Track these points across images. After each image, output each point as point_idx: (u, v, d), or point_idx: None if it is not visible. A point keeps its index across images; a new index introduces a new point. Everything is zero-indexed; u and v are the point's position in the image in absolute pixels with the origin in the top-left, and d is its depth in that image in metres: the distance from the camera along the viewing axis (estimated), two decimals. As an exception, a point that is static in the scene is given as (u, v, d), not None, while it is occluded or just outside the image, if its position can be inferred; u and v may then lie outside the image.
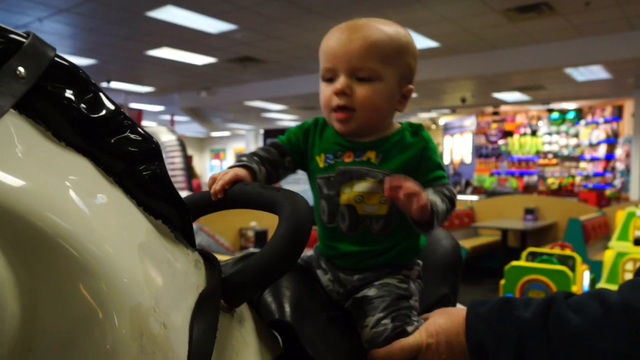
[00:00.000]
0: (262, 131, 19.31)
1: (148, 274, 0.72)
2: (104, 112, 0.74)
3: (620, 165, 15.89)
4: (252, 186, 1.05)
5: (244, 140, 25.14)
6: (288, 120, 21.42)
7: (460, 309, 1.07)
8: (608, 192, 14.46)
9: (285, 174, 1.25)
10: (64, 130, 0.70)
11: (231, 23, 9.16)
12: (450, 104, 17.15)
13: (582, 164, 17.50)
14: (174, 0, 8.05)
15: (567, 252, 5.11)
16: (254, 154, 1.20)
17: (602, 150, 16.89)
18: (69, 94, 0.71)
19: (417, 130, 1.21)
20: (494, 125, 19.21)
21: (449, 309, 1.16)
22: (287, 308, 1.00)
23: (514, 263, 4.65)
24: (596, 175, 16.98)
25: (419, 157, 1.16)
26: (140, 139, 0.78)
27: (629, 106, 15.28)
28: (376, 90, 1.13)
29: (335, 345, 1.05)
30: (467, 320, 1.00)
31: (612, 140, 16.54)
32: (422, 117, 20.40)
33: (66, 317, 0.62)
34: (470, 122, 19.79)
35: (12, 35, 0.67)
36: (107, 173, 0.74)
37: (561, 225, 8.27)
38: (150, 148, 0.79)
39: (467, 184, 17.15)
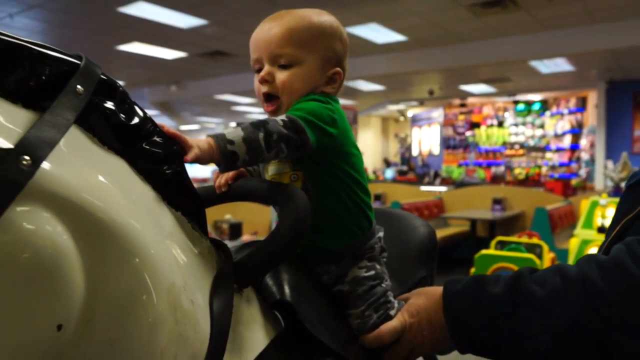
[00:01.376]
0: (234, 124, 19.25)
1: (177, 258, 0.85)
2: (137, 120, 0.86)
3: (585, 156, 16.23)
4: (254, 181, 1.16)
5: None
6: (257, 113, 21.39)
7: (437, 288, 1.16)
8: (574, 181, 14.75)
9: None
10: (106, 136, 0.82)
11: (202, 18, 9.19)
12: (418, 96, 17.34)
13: (548, 155, 17.83)
14: (146, -4, 8.05)
15: (535, 240, 5.28)
16: None
17: (567, 141, 17.24)
18: (110, 105, 0.83)
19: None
20: (462, 117, 19.46)
21: (426, 288, 1.24)
22: (287, 290, 1.08)
23: (484, 252, 4.78)
24: (562, 165, 17.33)
25: None
26: (163, 142, 0.90)
27: (592, 97, 15.62)
28: (295, 74, 1.16)
29: (331, 324, 1.13)
30: (444, 298, 1.09)
31: (576, 131, 16.91)
32: (391, 109, 20.59)
33: (117, 295, 0.74)
34: (437, 113, 20.00)
35: (71, 59, 0.80)
36: (139, 172, 0.86)
37: (528, 215, 8.46)
38: (172, 150, 0.91)
39: (436, 175, 17.36)
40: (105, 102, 0.82)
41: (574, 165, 16.98)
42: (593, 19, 9.38)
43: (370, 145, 22.87)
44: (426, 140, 20.83)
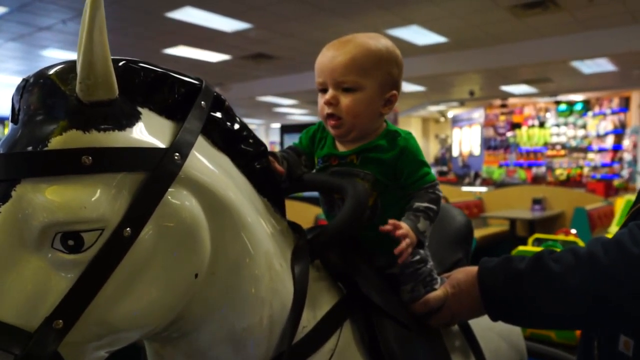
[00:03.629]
0: (277, 125, 19.53)
1: (268, 232, 1.12)
2: (237, 126, 1.11)
3: (627, 156, 16.00)
4: (323, 175, 1.40)
5: (255, 135, 25.35)
6: (298, 115, 21.62)
7: (474, 267, 1.38)
8: (616, 182, 14.59)
9: (305, 170, 1.46)
10: (216, 138, 1.07)
11: (246, 22, 9.39)
12: (458, 97, 17.32)
13: (590, 155, 17.62)
14: (192, 1, 8.28)
15: (571, 238, 5.37)
16: (279, 152, 1.44)
17: (609, 141, 17.01)
18: (219, 115, 1.08)
19: (393, 136, 1.38)
20: (502, 118, 19.35)
21: (465, 268, 1.46)
22: (348, 265, 1.30)
23: (521, 248, 4.88)
24: (604, 166, 17.10)
25: (394, 162, 1.36)
26: (254, 142, 1.15)
27: (636, 97, 15.44)
28: (357, 99, 1.31)
29: (384, 293, 1.34)
30: (479, 274, 1.32)
31: (619, 131, 16.67)
32: (431, 110, 20.58)
33: (231, 255, 1.01)
34: (478, 114, 19.93)
35: (195, 82, 1.04)
36: (237, 166, 1.10)
37: (568, 215, 8.42)
38: (261, 150, 1.16)
39: (476, 175, 17.32)
40: (217, 113, 1.07)
41: (616, 166, 16.74)
42: (635, 18, 9.31)
43: (410, 146, 22.76)
44: (467, 140, 20.76)
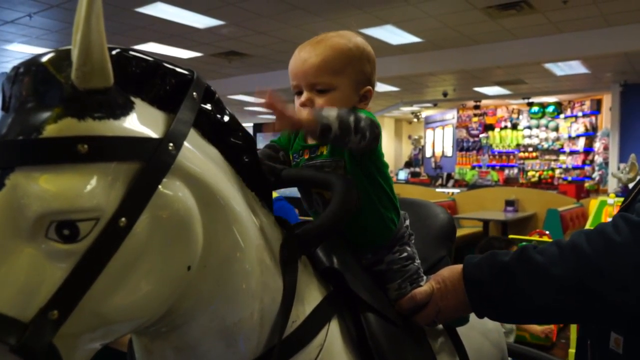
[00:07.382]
0: (248, 125, 19.40)
1: (258, 224, 1.11)
2: (227, 118, 1.09)
3: (598, 159, 16.16)
4: (308, 170, 1.37)
5: (227, 134, 25.14)
6: (269, 114, 21.43)
7: (459, 265, 1.37)
8: (587, 184, 14.73)
9: (281, 167, 1.42)
10: (206, 131, 1.04)
11: (218, 19, 9.32)
12: (432, 98, 17.36)
13: (562, 157, 17.79)
14: (164, -3, 8.15)
15: (545, 238, 5.33)
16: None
17: (581, 144, 17.19)
18: (210, 106, 1.05)
19: None
20: (475, 119, 19.48)
21: (449, 266, 1.44)
22: (335, 260, 1.29)
23: (495, 250, 4.82)
24: (575, 168, 17.29)
25: None
26: (243, 136, 1.12)
27: (607, 100, 15.57)
28: (332, 99, 1.32)
29: (371, 289, 1.34)
30: (464, 268, 1.32)
31: (590, 134, 16.85)
32: (404, 110, 20.61)
33: (222, 249, 1.00)
34: (451, 115, 20.04)
35: (187, 72, 1.02)
36: (226, 158, 1.08)
37: (540, 216, 8.50)
38: (250, 143, 1.13)
39: (449, 177, 17.36)
40: (207, 105, 1.05)
41: (587, 168, 16.92)
42: (608, 21, 9.38)
43: (384, 147, 22.43)
44: (439, 142, 20.84)
